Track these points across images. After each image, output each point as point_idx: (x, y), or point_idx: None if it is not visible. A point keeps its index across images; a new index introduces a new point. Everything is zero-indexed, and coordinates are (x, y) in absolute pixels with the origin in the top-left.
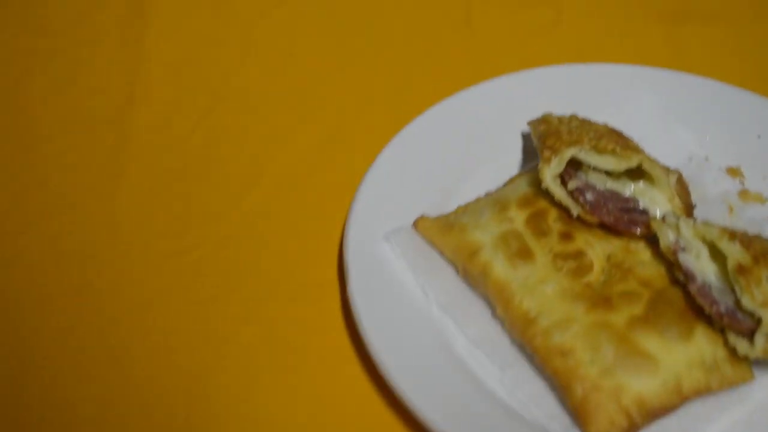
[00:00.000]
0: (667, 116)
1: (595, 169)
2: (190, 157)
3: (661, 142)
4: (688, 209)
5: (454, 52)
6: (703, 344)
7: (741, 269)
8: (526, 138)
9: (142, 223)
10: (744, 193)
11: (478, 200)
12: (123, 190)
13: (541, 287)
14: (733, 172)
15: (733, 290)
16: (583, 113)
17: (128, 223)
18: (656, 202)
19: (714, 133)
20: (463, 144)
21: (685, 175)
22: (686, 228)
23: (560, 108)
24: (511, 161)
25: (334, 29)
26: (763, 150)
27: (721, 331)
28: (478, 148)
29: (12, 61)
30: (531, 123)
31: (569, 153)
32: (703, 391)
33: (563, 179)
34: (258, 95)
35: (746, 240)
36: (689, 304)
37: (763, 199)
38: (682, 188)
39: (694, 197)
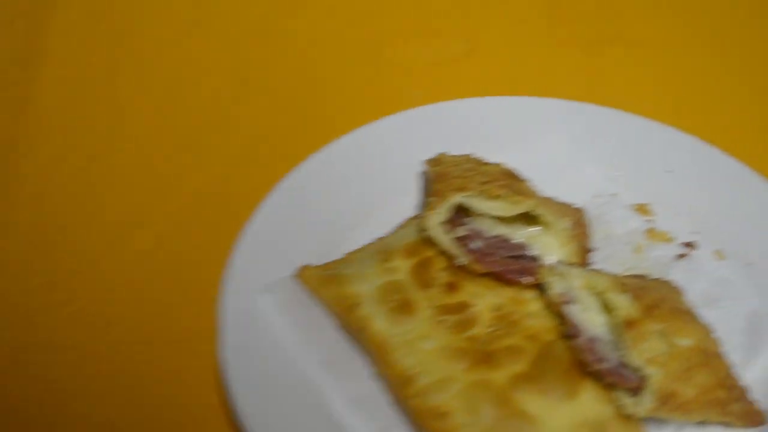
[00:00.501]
0: (575, 151)
1: (485, 215)
2: (74, 203)
3: (569, 177)
4: (585, 254)
5: (363, 85)
6: (589, 403)
7: (629, 323)
8: (423, 182)
9: (17, 275)
10: (651, 232)
11: (364, 247)
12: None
13: (420, 344)
14: (642, 209)
15: (620, 346)
16: (489, 148)
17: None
18: (548, 247)
19: (624, 168)
20: (362, 184)
21: (591, 213)
22: (575, 278)
23: (467, 143)
24: (412, 202)
25: (233, 62)
26: (675, 186)
27: (609, 389)
28: (378, 188)
29: None
30: (427, 162)
31: (455, 200)
32: None
33: (452, 226)
34: (150, 135)
35: (638, 291)
36: (576, 359)
37: (670, 239)
38: (581, 231)
39: (600, 237)
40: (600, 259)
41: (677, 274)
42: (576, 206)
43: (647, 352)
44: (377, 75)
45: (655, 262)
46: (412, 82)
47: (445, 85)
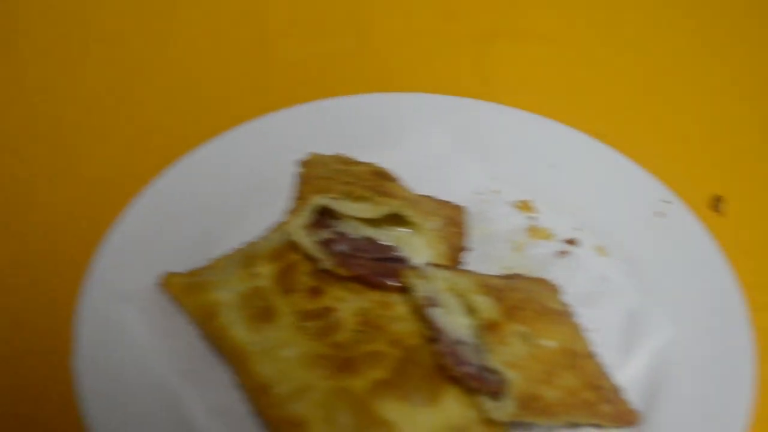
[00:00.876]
0: (457, 147)
1: (351, 217)
2: None
3: (450, 174)
4: (458, 254)
5: (248, 83)
6: (452, 408)
7: (490, 326)
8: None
9: None
10: (533, 230)
11: (232, 253)
12: None
13: (279, 351)
14: (524, 206)
15: (482, 349)
16: (369, 146)
17: None
18: (416, 249)
19: (507, 164)
20: (235, 186)
21: (471, 210)
22: (438, 280)
23: (346, 141)
24: (286, 205)
25: (109, 60)
26: (556, 181)
27: (472, 393)
28: (252, 191)
29: None
30: (300, 164)
31: (317, 202)
32: None
33: (317, 229)
34: (13, 135)
35: (503, 292)
36: (439, 363)
37: (552, 236)
38: (457, 230)
39: (479, 235)
40: (478, 259)
41: (557, 272)
42: (455, 204)
43: (507, 356)
44: (264, 73)
45: (535, 261)
46: (301, 79)
47: (334, 82)
